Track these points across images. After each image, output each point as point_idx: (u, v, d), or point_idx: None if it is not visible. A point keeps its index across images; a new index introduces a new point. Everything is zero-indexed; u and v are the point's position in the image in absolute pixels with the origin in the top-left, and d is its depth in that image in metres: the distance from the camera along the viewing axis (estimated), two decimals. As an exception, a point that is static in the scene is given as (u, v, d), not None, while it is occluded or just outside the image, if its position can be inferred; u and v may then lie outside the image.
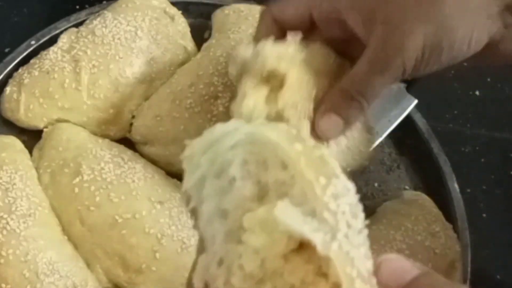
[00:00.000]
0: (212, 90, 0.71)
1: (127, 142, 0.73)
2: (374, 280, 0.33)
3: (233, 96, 0.70)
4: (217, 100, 0.70)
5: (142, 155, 0.71)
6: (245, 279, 0.33)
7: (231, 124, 0.35)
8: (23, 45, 0.76)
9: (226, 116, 0.70)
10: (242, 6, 0.79)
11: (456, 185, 0.73)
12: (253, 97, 0.56)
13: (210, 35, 0.79)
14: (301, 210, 0.32)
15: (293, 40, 0.54)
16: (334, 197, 0.33)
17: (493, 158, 0.82)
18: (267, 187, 0.34)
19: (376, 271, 0.33)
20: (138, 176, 0.67)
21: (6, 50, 0.77)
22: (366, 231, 0.34)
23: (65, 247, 0.64)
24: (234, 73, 0.59)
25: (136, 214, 0.64)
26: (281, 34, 0.54)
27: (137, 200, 0.65)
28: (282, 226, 0.32)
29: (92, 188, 0.65)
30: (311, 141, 0.34)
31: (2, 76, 0.74)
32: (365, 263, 0.33)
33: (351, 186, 0.34)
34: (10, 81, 0.73)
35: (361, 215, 0.34)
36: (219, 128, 0.35)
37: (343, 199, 0.33)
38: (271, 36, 0.54)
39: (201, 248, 0.36)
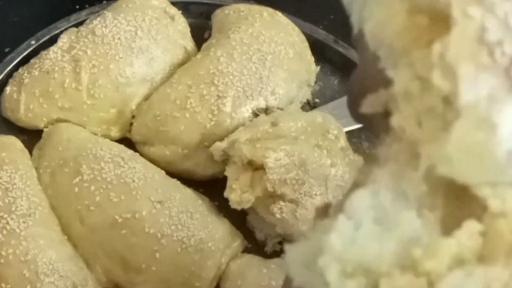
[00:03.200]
0: (212, 90, 0.71)
1: (127, 142, 0.73)
2: None
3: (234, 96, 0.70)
4: (218, 100, 0.70)
5: (142, 155, 0.71)
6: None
7: None
8: (23, 45, 0.76)
9: (227, 116, 0.70)
10: (242, 6, 0.79)
11: None
12: (238, 190, 0.65)
13: (210, 35, 0.79)
14: None
15: None
16: None
17: None
18: None
19: None
20: (138, 176, 0.66)
21: (6, 50, 0.77)
22: None
23: (65, 247, 0.64)
24: (219, 160, 0.69)
25: (136, 214, 0.64)
26: None
27: (137, 200, 0.65)
28: None
29: (92, 188, 0.65)
30: None
31: (2, 76, 0.74)
32: None
33: None
34: (10, 81, 0.73)
35: None
36: None
37: None
38: None
39: None
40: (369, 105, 0.28)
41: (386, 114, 0.27)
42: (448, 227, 0.25)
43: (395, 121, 0.26)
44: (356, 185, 0.27)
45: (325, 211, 0.28)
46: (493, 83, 0.24)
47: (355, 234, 0.24)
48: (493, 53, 0.24)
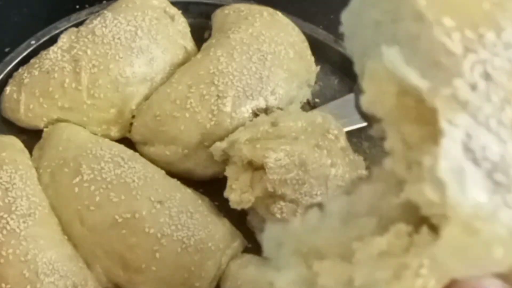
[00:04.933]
0: (212, 90, 0.71)
1: (127, 142, 0.73)
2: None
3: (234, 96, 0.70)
4: (218, 100, 0.70)
5: (142, 155, 0.71)
6: None
7: None
8: (23, 45, 0.76)
9: (227, 116, 0.70)
10: (242, 6, 0.79)
11: None
12: (238, 190, 0.65)
13: (210, 35, 0.79)
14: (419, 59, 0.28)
15: None
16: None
17: None
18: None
19: None
20: (138, 176, 0.66)
21: (6, 50, 0.77)
22: None
23: (65, 247, 0.64)
24: (219, 160, 0.69)
25: (136, 213, 0.64)
26: None
27: (137, 200, 0.65)
28: (387, 72, 0.28)
29: (92, 188, 0.65)
30: None
31: (2, 76, 0.74)
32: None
33: None
34: (10, 81, 0.73)
35: None
36: None
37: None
38: None
39: None
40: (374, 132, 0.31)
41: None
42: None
43: (387, 163, 0.29)
44: (345, 193, 0.31)
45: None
46: (478, 191, 0.26)
47: (319, 224, 0.29)
48: (477, 160, 0.26)
